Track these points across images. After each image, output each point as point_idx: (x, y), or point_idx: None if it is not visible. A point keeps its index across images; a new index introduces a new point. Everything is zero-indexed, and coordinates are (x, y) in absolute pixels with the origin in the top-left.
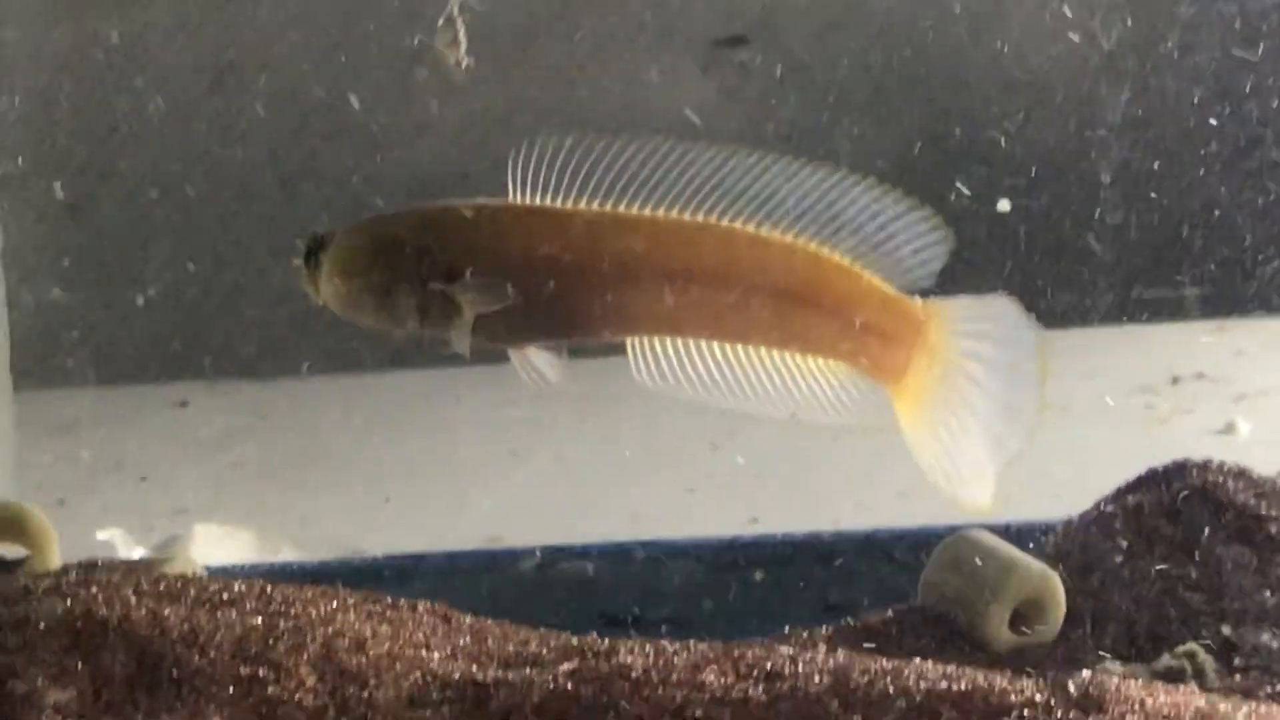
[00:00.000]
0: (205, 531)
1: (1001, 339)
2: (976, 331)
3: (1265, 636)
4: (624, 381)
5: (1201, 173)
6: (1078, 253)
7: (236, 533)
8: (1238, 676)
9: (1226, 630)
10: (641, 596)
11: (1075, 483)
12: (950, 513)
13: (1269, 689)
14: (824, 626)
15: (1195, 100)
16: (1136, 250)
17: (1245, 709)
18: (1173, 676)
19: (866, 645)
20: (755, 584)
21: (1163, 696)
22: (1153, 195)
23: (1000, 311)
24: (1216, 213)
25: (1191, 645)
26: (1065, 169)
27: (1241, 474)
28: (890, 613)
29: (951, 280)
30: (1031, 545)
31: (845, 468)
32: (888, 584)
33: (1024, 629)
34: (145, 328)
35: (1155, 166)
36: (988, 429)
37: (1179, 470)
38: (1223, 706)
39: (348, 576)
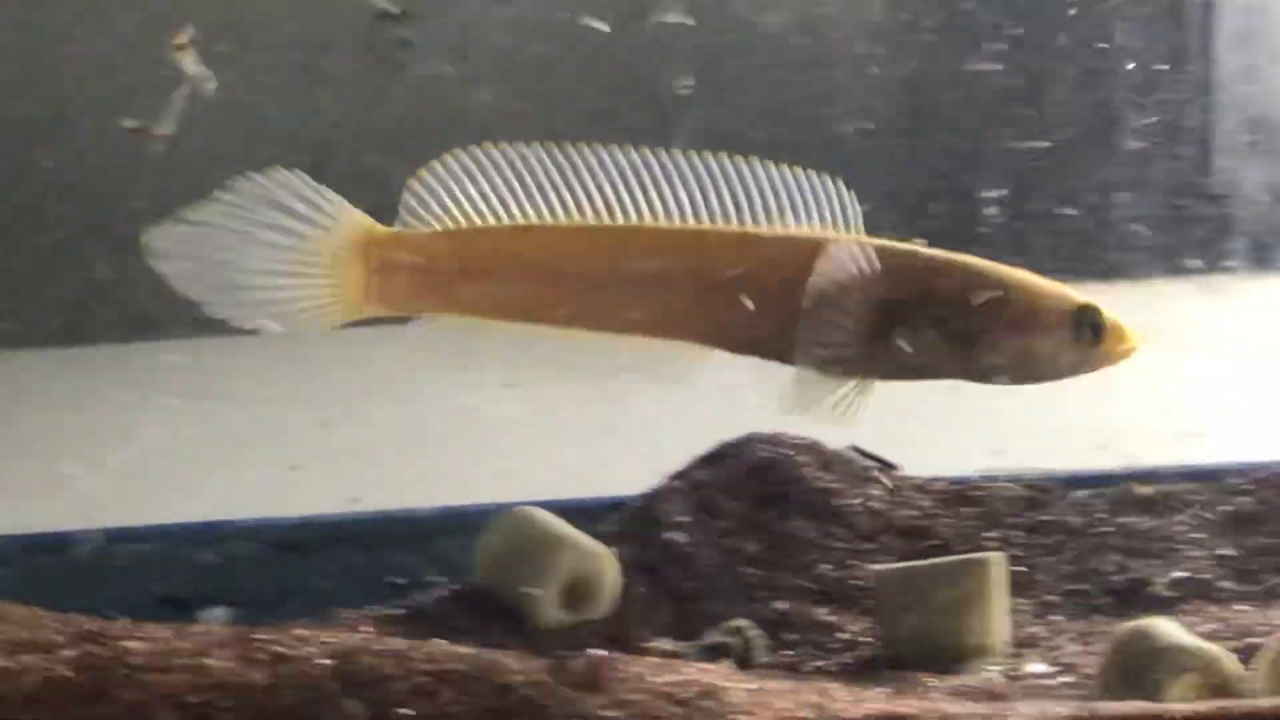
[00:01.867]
0: None
1: None
2: None
3: (821, 611)
4: (234, 360)
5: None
6: None
7: None
8: (788, 652)
9: (781, 605)
10: (203, 578)
11: None
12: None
13: (817, 664)
14: (370, 607)
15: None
16: None
17: (752, 685)
18: (719, 653)
19: (414, 625)
20: (318, 563)
21: (669, 675)
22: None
23: None
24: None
25: (740, 621)
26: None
27: (810, 447)
28: (442, 592)
29: None
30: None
31: (453, 445)
32: (454, 562)
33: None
34: None
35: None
36: None
37: (747, 444)
38: (723, 683)
39: None
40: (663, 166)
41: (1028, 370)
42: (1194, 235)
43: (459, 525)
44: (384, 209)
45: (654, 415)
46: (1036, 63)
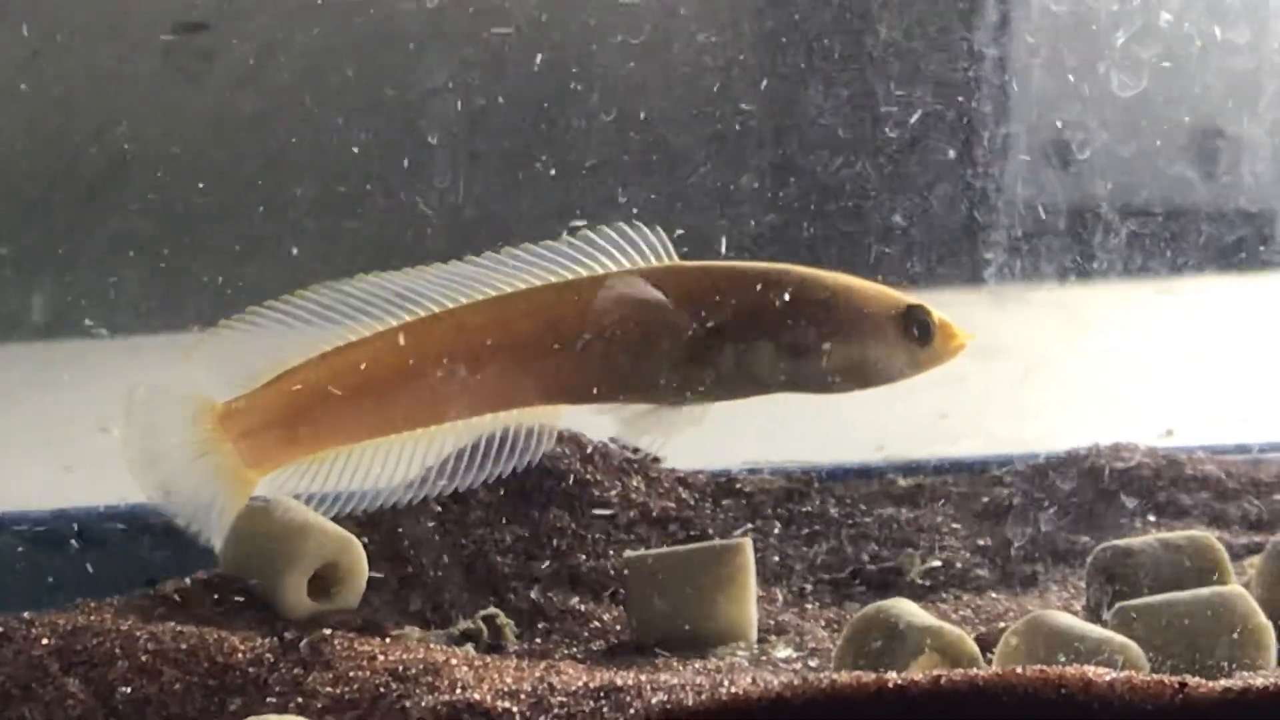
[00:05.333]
0: None
1: None
2: None
3: (574, 600)
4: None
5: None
6: None
7: None
8: (539, 640)
9: (534, 594)
10: None
11: None
12: None
13: (567, 650)
14: (115, 597)
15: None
16: None
17: (478, 663)
18: (468, 640)
19: (156, 612)
20: (74, 556)
21: (399, 653)
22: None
23: None
24: None
25: (492, 609)
26: None
27: (571, 439)
28: (188, 581)
29: None
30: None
31: None
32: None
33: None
34: None
35: None
36: None
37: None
38: (451, 661)
39: None
40: (453, 279)
41: (863, 374)
42: (990, 246)
43: None
44: (184, 217)
45: None
46: (839, 72)
